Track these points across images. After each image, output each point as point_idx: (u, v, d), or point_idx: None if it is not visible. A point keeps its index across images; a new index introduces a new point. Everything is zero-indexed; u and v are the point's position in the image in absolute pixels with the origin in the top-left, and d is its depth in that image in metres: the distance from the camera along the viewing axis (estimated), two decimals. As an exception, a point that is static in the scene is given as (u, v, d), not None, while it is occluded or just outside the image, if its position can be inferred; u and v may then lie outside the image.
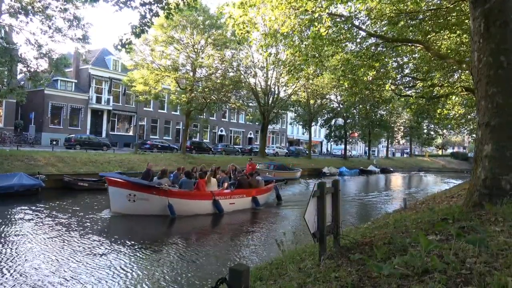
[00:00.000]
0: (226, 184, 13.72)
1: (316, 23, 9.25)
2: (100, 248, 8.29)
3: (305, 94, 36.74)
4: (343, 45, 12.08)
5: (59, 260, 7.32)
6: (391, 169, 48.79)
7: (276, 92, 35.99)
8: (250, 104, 35.95)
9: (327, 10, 9.28)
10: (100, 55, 37.12)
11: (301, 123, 45.51)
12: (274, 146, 48.53)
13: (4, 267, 6.83)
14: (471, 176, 5.20)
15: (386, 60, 13.75)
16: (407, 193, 23.57)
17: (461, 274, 2.48)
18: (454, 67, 13.74)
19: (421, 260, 2.71)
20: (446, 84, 15.80)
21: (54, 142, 29.27)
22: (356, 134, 53.81)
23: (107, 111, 36.30)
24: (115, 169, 19.29)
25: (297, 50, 10.85)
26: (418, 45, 12.03)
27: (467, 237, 3.12)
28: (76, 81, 35.00)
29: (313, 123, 44.55)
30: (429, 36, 12.08)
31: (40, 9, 17.03)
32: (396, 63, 15.73)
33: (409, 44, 12.42)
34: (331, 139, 50.09)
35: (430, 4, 11.71)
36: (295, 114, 44.76)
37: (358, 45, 12.64)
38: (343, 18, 10.35)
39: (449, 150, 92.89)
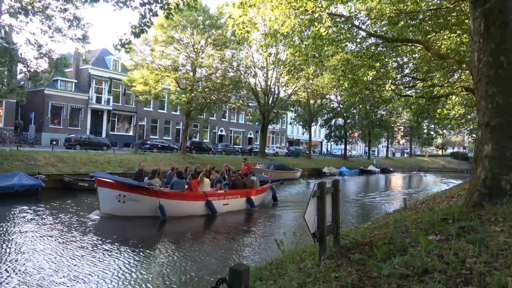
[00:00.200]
0: (219, 185, 13.43)
1: (316, 23, 9.25)
2: (94, 249, 8.28)
3: (305, 94, 36.76)
4: (343, 45, 12.07)
5: (60, 260, 7.32)
6: (391, 169, 48.80)
7: (276, 92, 35.99)
8: (250, 104, 35.95)
9: (327, 10, 9.28)
10: (100, 55, 37.12)
11: (301, 123, 45.52)
12: (274, 146, 48.54)
13: (7, 266, 6.84)
14: (471, 176, 5.20)
15: (386, 60, 13.75)
16: (407, 193, 23.57)
17: (461, 274, 2.48)
18: (454, 67, 13.74)
19: (421, 260, 2.71)
20: (446, 84, 15.80)
21: (54, 142, 29.28)
22: (356, 134, 53.84)
23: (107, 111, 36.30)
24: (115, 169, 19.30)
25: (297, 50, 10.85)
26: (418, 45, 12.03)
27: (467, 237, 3.12)
28: (76, 81, 35.01)
29: (313, 123, 44.56)
30: (429, 36, 12.08)
31: (40, 9, 17.03)
32: (396, 63, 15.74)
33: (409, 44, 12.42)
34: (331, 139, 50.09)
35: (430, 4, 11.71)
36: (295, 114, 44.77)
37: (358, 45, 12.65)
38: (343, 18, 10.35)
39: (449, 150, 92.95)
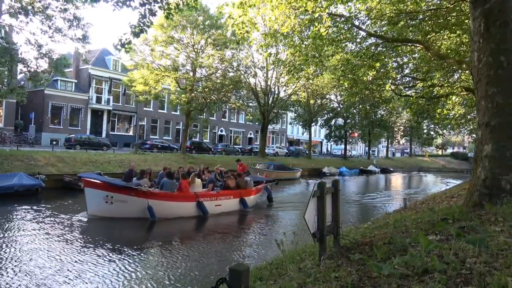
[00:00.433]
0: (212, 185, 13.07)
1: (316, 23, 9.25)
2: (94, 249, 8.27)
3: (305, 94, 36.74)
4: (343, 45, 12.07)
5: (60, 260, 7.32)
6: (391, 169, 48.79)
7: (276, 92, 36.00)
8: (250, 104, 35.96)
9: (327, 10, 9.28)
10: (100, 55, 37.12)
11: (301, 123, 45.52)
12: (274, 146, 48.54)
13: (8, 266, 6.85)
14: (471, 176, 5.20)
15: (386, 60, 13.75)
16: (407, 193, 23.56)
17: (461, 274, 2.48)
18: (454, 67, 13.74)
19: (421, 260, 2.71)
20: (446, 84, 15.80)
21: (54, 142, 29.27)
22: (356, 134, 53.82)
23: (107, 111, 36.30)
24: (115, 169, 19.29)
25: (297, 50, 10.85)
26: (418, 45, 12.03)
27: (467, 237, 3.12)
28: (76, 81, 35.00)
29: (313, 123, 44.55)
30: (429, 36, 12.08)
31: (40, 9, 17.03)
32: (396, 63, 15.74)
33: (409, 44, 12.42)
34: (331, 139, 50.08)
35: (430, 4, 11.71)
36: (295, 114, 44.76)
37: (358, 45, 12.65)
38: (343, 18, 10.36)
39: (449, 150, 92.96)
